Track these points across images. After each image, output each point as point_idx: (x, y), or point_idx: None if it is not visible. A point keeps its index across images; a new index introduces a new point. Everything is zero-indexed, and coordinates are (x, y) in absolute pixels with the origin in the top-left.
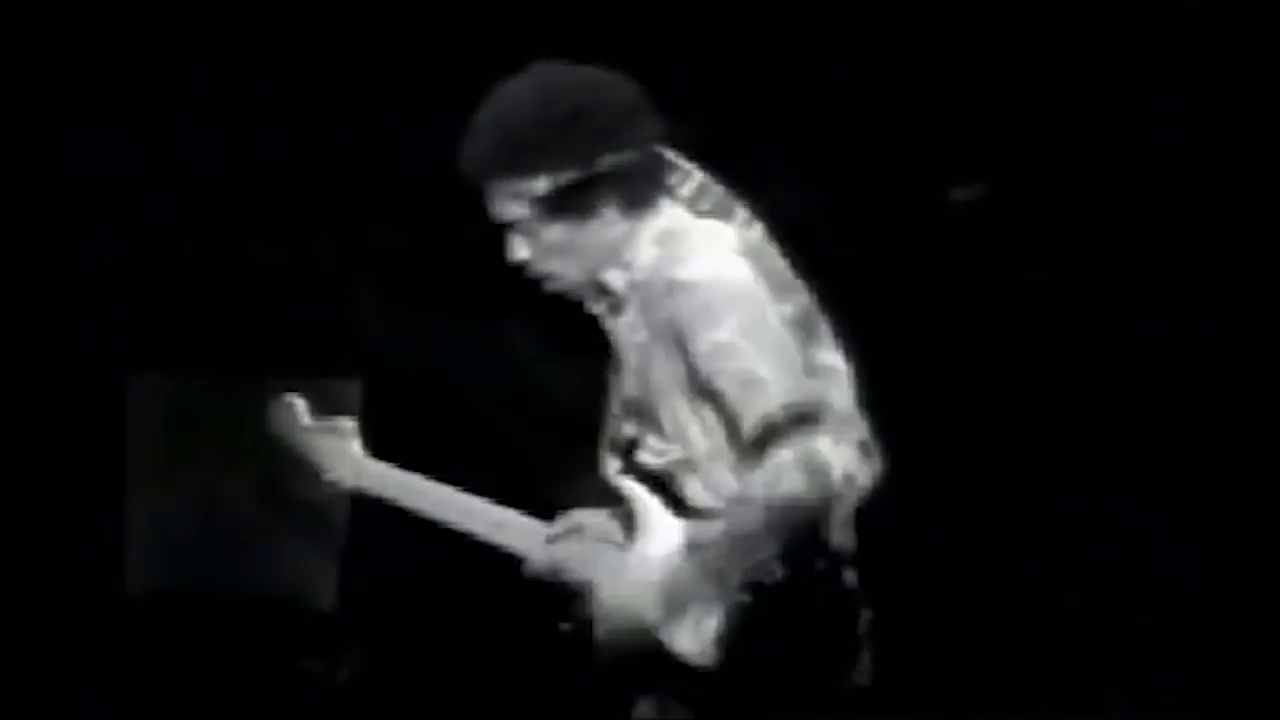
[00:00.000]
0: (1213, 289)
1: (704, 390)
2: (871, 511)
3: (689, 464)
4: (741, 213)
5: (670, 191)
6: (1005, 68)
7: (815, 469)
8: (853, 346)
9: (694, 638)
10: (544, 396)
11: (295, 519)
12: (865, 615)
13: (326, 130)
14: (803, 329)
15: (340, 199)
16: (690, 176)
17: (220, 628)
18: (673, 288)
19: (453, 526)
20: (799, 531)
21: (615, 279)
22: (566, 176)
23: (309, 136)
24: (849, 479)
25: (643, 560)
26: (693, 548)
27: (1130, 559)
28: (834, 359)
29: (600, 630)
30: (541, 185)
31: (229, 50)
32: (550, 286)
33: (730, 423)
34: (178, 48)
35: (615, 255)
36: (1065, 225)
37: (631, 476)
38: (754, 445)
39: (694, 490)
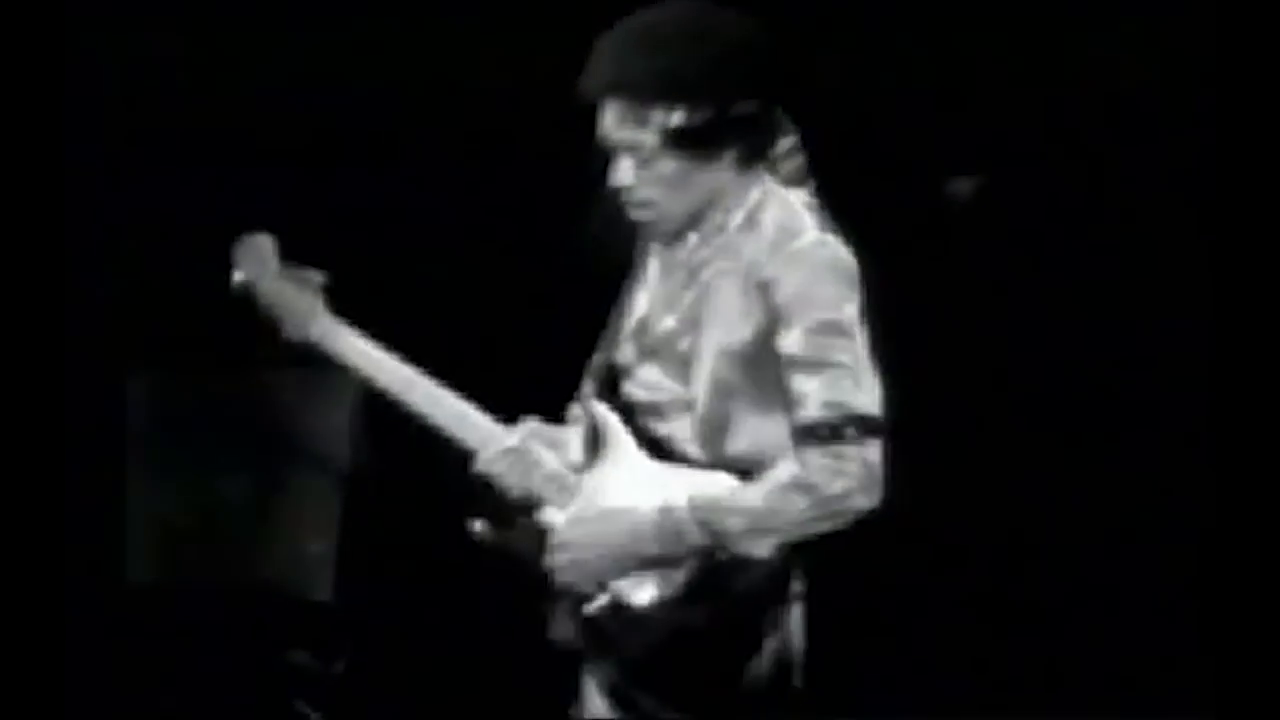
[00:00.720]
0: (1214, 286)
1: (789, 358)
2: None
3: (684, 407)
4: (812, 184)
5: (774, 150)
6: (1003, 63)
7: (873, 478)
8: None
9: (639, 589)
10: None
11: (292, 512)
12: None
13: (326, 131)
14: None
15: (339, 200)
16: (790, 137)
17: (218, 621)
18: (794, 257)
19: (411, 408)
20: (833, 530)
21: (712, 221)
22: (703, 114)
23: (308, 136)
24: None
25: (609, 492)
26: (704, 506)
27: (1130, 562)
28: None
29: (559, 556)
30: (677, 118)
31: (228, 52)
32: (640, 215)
33: (805, 396)
34: (176, 47)
35: (719, 200)
36: (1064, 221)
37: (605, 403)
38: (824, 430)
39: (675, 433)
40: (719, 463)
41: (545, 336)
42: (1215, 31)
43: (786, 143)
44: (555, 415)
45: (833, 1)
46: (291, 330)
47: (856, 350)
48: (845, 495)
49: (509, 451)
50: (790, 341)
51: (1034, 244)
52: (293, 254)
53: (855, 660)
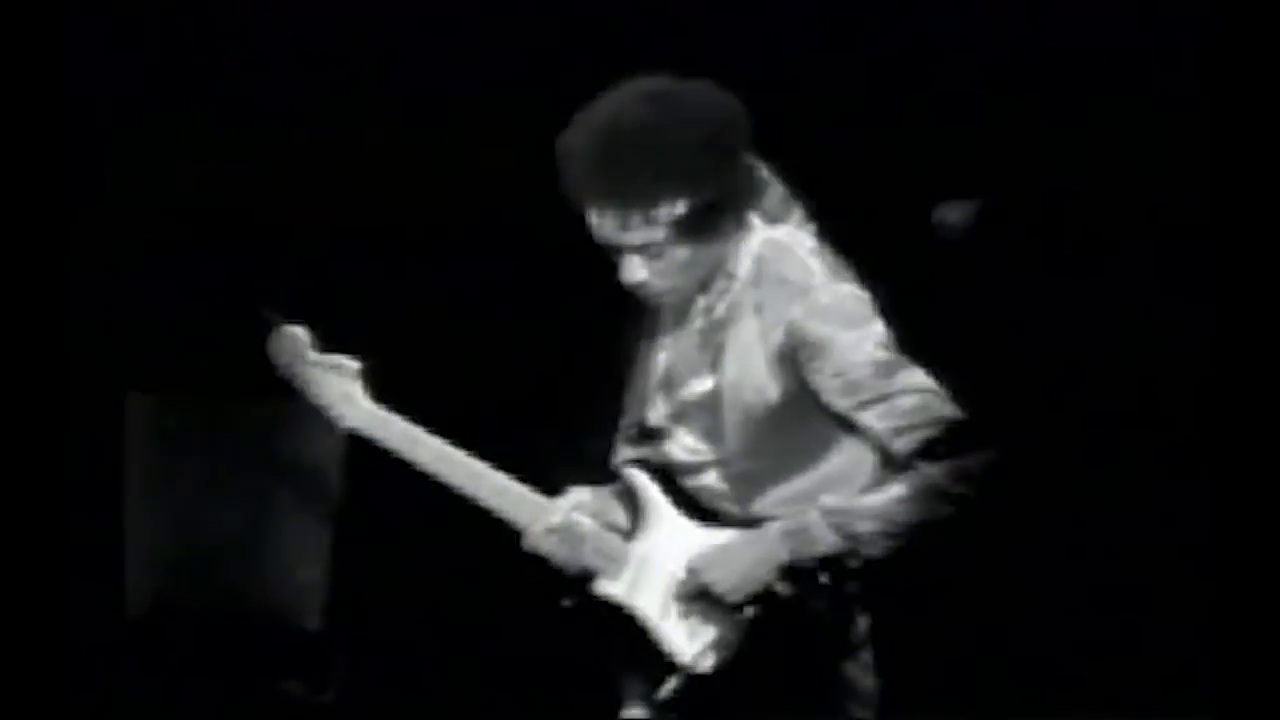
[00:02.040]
0: (1214, 293)
1: (862, 398)
2: None
3: (718, 465)
4: (798, 212)
5: (760, 199)
6: (1000, 81)
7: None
8: None
9: (692, 643)
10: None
11: (287, 537)
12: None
13: (326, 149)
14: None
15: (338, 215)
16: (773, 185)
17: (215, 647)
18: (812, 309)
19: (454, 486)
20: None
21: (718, 282)
22: (705, 196)
23: (309, 154)
24: None
25: (657, 558)
26: (837, 510)
27: (1130, 563)
28: None
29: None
30: (683, 205)
31: (229, 66)
32: (655, 301)
33: (896, 426)
34: (178, 61)
35: (724, 262)
36: (1061, 243)
37: (640, 467)
38: (934, 446)
39: (709, 490)
40: (753, 519)
41: (573, 386)
42: (1215, 41)
43: (778, 193)
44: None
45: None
46: (335, 419)
47: (910, 370)
48: (963, 499)
49: (554, 529)
50: (844, 389)
51: (1028, 267)
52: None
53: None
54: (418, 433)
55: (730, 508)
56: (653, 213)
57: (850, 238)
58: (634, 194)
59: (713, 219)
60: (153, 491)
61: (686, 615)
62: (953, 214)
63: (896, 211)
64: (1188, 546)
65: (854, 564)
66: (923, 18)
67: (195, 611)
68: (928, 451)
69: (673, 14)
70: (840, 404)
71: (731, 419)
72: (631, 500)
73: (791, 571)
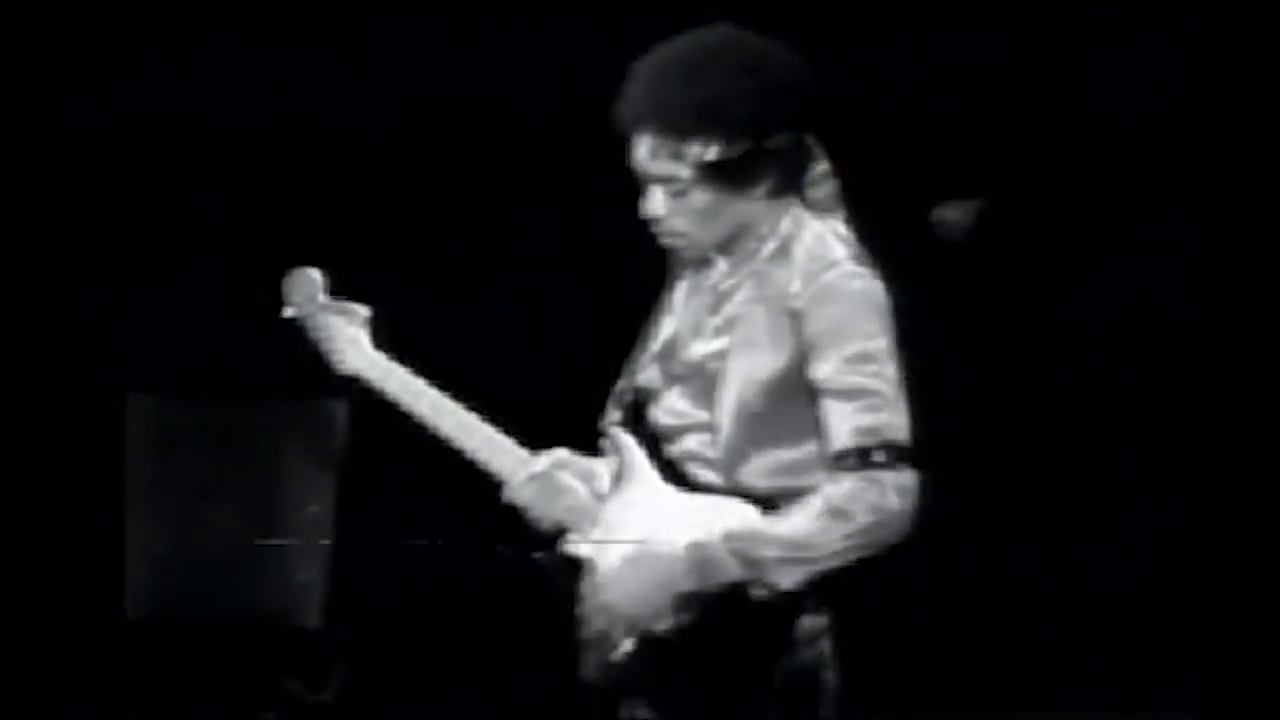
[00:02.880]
0: (1211, 295)
1: (821, 387)
2: None
3: (706, 432)
4: (843, 212)
5: (806, 178)
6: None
7: (908, 505)
8: None
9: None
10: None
11: (286, 537)
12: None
13: (327, 153)
14: None
15: (337, 221)
16: (821, 165)
17: (215, 647)
18: (828, 288)
19: (445, 435)
20: (868, 557)
21: (743, 249)
22: (740, 147)
23: (310, 158)
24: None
25: (629, 521)
26: (740, 536)
27: (1129, 564)
28: None
29: (592, 604)
30: (714, 151)
31: (233, 72)
32: (670, 243)
33: (839, 424)
34: (178, 61)
35: (750, 228)
36: (1062, 242)
37: (628, 429)
38: (858, 457)
39: (694, 457)
40: (735, 489)
41: (581, 360)
42: (1215, 48)
43: (818, 169)
44: (592, 443)
45: (833, 23)
46: (336, 363)
47: (889, 378)
48: (881, 524)
49: (534, 478)
50: (824, 371)
51: (1030, 267)
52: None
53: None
54: (416, 383)
55: (713, 476)
56: (683, 149)
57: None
58: (668, 124)
59: (744, 174)
60: (153, 491)
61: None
62: (953, 214)
63: (896, 211)
64: (1187, 546)
65: (761, 593)
66: (923, 18)
67: (195, 611)
68: (846, 459)
69: (672, 14)
70: (812, 379)
71: (728, 385)
72: (614, 460)
73: (694, 598)
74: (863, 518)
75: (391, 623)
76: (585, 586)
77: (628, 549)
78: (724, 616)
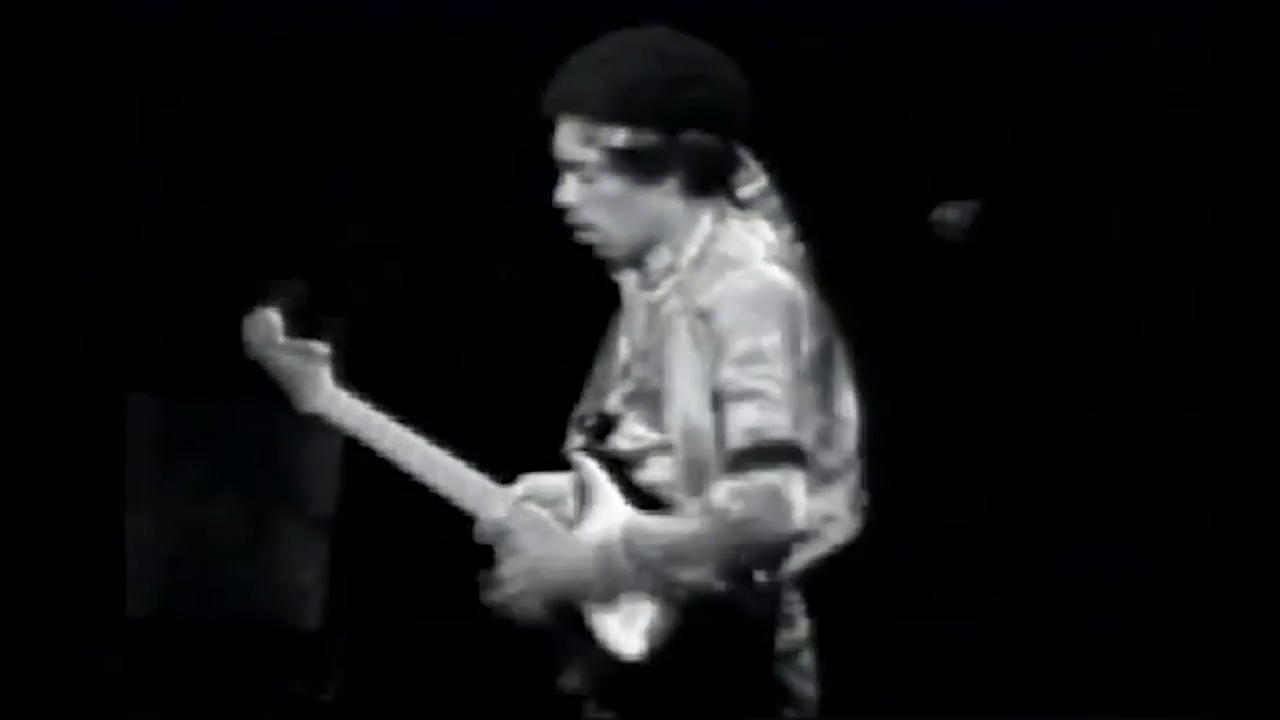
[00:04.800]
0: (1211, 301)
1: (719, 391)
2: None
3: (664, 453)
4: (789, 229)
5: (733, 188)
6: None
7: (781, 504)
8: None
9: (625, 631)
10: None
11: (285, 539)
12: (800, 647)
13: (327, 155)
14: (823, 365)
15: (337, 225)
16: (756, 179)
17: (215, 647)
18: (728, 287)
19: (413, 472)
20: (747, 558)
21: (661, 255)
22: (648, 137)
23: (310, 161)
24: (820, 529)
25: (578, 536)
26: (632, 535)
27: (1129, 566)
28: (847, 404)
29: (503, 585)
30: (621, 137)
31: (232, 73)
32: (586, 238)
33: (728, 427)
34: (178, 61)
35: (666, 231)
36: (1061, 243)
37: (591, 454)
38: (740, 458)
39: (659, 480)
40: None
41: (545, 383)
42: (1212, 50)
43: (754, 186)
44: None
45: (821, 27)
46: (298, 402)
47: (776, 377)
48: (748, 521)
49: (499, 524)
50: (720, 376)
51: (1027, 268)
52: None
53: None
54: (378, 418)
55: (682, 497)
56: (594, 133)
57: (850, 238)
58: (580, 108)
59: (653, 165)
60: (153, 491)
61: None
62: (953, 214)
63: (896, 212)
64: (1186, 547)
65: (674, 593)
66: (922, 18)
67: (195, 611)
68: (727, 460)
69: (672, 14)
70: (714, 385)
71: (672, 402)
72: (581, 488)
73: (601, 592)
74: (735, 516)
75: (391, 623)
76: (498, 574)
77: (547, 542)
78: (698, 630)
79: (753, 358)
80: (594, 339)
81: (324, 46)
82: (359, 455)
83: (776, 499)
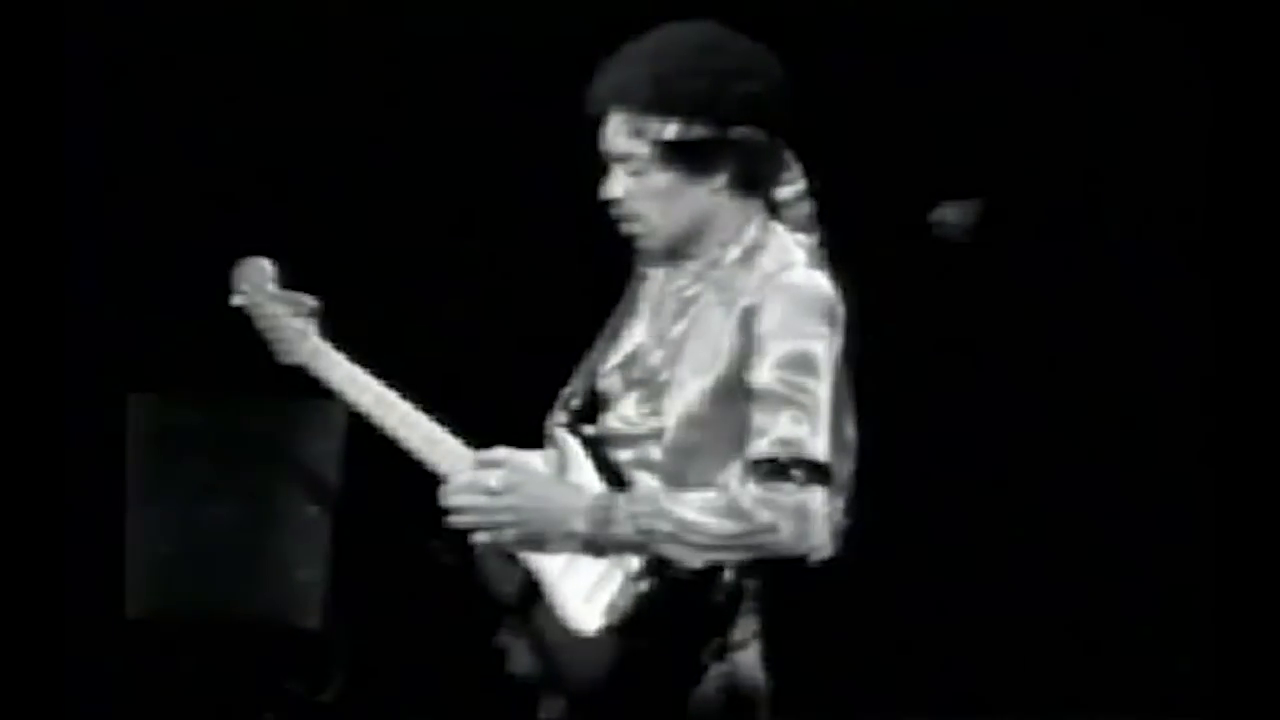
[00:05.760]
0: (1211, 301)
1: (756, 390)
2: (875, 519)
3: (654, 437)
4: (818, 234)
5: (774, 187)
6: (998, 81)
7: (806, 523)
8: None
9: (585, 606)
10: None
11: (285, 538)
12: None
13: (327, 155)
14: (842, 380)
15: (337, 225)
16: (796, 181)
17: (215, 647)
18: (775, 288)
19: (387, 429)
20: (749, 558)
21: (704, 249)
22: (699, 130)
23: (311, 161)
24: (819, 545)
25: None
26: (639, 503)
27: (1128, 566)
28: (850, 426)
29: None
30: (672, 130)
31: (230, 73)
32: (630, 229)
33: (759, 430)
34: (179, 61)
35: (711, 225)
36: (1061, 244)
37: (572, 431)
38: (771, 468)
39: (641, 463)
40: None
41: (532, 359)
42: (1210, 51)
43: (793, 188)
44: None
45: (826, 25)
46: (283, 352)
47: (819, 393)
48: (771, 530)
49: (470, 484)
50: (759, 374)
51: (1028, 267)
52: (292, 273)
53: (855, 661)
54: (361, 376)
55: (656, 482)
56: (643, 126)
57: (849, 238)
58: (629, 101)
59: (703, 159)
60: (153, 491)
61: (585, 578)
62: (953, 214)
63: (896, 211)
64: (1186, 546)
65: (658, 563)
66: (923, 18)
67: (194, 611)
68: (759, 466)
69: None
70: (748, 381)
71: (679, 388)
72: (557, 460)
73: (582, 542)
74: (759, 524)
75: (391, 623)
76: (499, 480)
77: (548, 471)
78: (651, 619)
79: (795, 364)
80: (581, 322)
81: (324, 46)
82: (359, 455)
83: (804, 517)
